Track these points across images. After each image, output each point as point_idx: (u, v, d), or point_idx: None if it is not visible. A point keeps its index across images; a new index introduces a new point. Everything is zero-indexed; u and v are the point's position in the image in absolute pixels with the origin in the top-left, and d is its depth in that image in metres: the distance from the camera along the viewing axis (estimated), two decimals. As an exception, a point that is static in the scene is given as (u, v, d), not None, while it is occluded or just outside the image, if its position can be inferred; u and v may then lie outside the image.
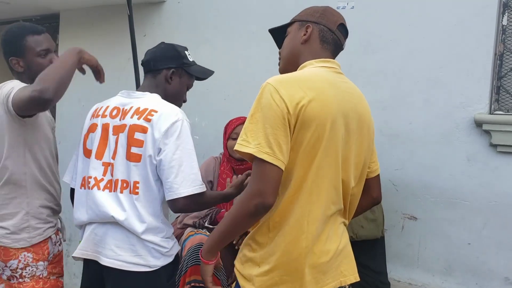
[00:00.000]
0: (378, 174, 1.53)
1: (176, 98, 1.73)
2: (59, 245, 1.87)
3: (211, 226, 2.21)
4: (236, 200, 1.28)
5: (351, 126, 1.32)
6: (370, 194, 1.50)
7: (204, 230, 2.21)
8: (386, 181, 2.37)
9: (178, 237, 2.26)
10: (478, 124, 2.13)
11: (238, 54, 2.94)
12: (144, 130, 1.53)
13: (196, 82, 1.88)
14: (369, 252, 2.00)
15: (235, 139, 2.37)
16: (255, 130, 1.20)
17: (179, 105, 1.72)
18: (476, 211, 2.15)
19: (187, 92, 1.84)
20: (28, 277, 1.71)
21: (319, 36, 1.40)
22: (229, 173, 2.39)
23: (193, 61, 1.81)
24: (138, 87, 2.47)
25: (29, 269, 1.72)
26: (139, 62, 1.93)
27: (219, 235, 1.30)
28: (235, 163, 2.38)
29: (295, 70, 1.39)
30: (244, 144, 1.21)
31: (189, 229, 2.23)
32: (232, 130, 2.41)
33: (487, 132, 2.11)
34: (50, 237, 1.79)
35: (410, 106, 2.32)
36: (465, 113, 2.18)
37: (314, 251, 1.25)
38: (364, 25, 2.45)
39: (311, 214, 1.25)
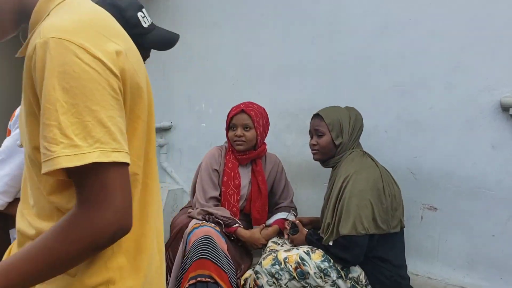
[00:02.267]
0: None
1: None
2: None
3: (222, 222, 2.12)
4: (62, 233, 0.70)
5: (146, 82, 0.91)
6: None
7: (209, 222, 2.11)
8: (404, 169, 2.24)
9: (183, 228, 2.16)
10: (505, 108, 1.98)
11: (247, 38, 2.82)
12: None
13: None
14: (388, 245, 1.88)
15: (235, 129, 2.25)
16: (78, 122, 0.68)
17: None
18: (501, 202, 2.02)
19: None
20: None
21: None
22: (235, 163, 2.28)
23: (149, 26, 1.37)
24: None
25: None
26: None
27: (31, 275, 0.71)
28: (238, 153, 2.29)
29: (34, 22, 0.79)
30: (73, 153, 0.67)
31: (194, 221, 2.12)
32: (230, 120, 2.29)
33: (515, 117, 1.97)
34: None
35: (431, 91, 2.18)
36: (490, 96, 2.03)
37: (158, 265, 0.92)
38: (382, 5, 2.31)
39: (148, 222, 0.89)
